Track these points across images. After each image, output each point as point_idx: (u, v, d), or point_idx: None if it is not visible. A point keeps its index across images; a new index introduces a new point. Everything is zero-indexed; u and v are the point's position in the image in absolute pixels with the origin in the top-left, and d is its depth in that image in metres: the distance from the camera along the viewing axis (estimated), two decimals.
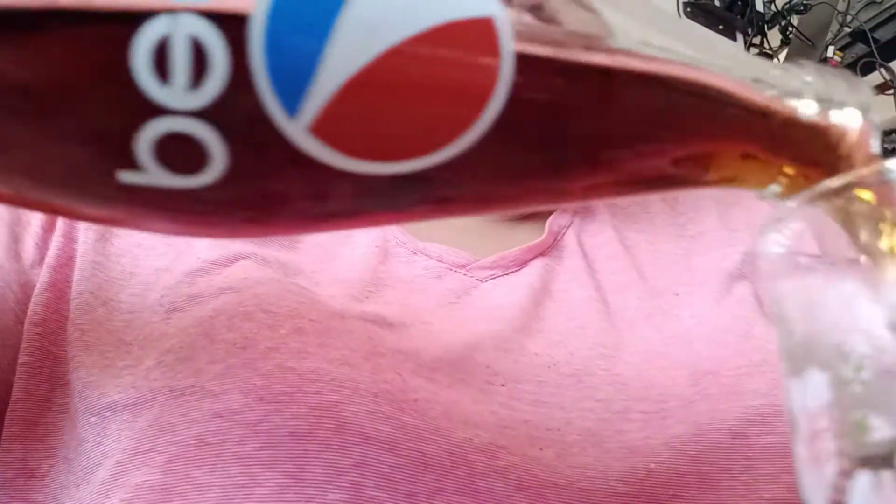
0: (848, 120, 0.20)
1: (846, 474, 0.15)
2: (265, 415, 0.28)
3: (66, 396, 0.31)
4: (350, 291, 0.34)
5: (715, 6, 1.50)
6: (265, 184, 0.17)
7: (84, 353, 0.31)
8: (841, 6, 1.43)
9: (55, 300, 0.32)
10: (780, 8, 1.50)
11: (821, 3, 1.46)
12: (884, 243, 0.16)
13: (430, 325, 0.34)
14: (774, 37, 1.53)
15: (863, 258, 0.17)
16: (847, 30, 1.40)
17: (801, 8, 1.47)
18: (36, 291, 0.33)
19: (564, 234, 0.42)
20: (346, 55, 0.16)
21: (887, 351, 0.15)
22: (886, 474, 0.15)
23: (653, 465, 0.30)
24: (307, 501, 0.27)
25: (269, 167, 0.17)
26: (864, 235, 0.17)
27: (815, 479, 0.16)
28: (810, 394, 0.16)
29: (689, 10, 1.48)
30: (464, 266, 0.38)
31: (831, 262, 0.18)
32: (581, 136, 0.19)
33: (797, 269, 0.17)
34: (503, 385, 0.32)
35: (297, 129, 0.16)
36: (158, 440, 0.28)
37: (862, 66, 1.40)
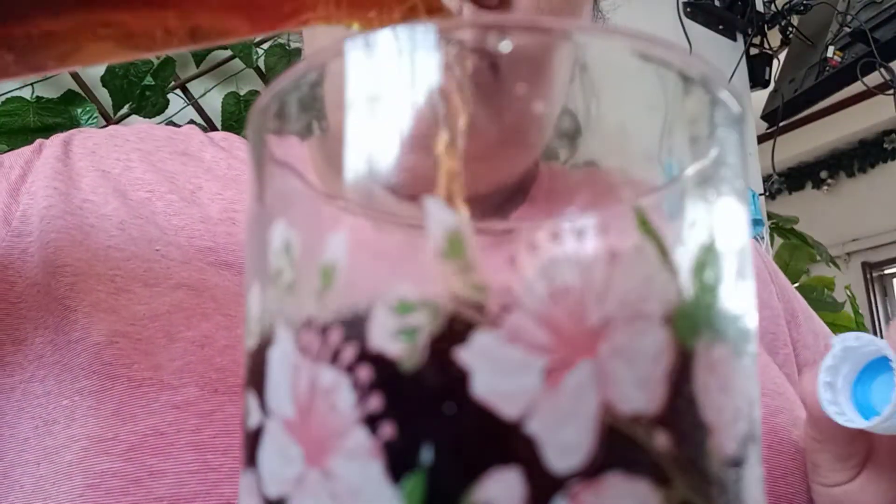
0: None
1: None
2: (219, 405, 0.29)
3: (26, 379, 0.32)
4: None
5: (715, 6, 1.50)
6: None
7: (47, 330, 0.32)
8: (841, 6, 1.43)
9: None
10: (780, 8, 1.50)
11: (821, 3, 1.46)
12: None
13: None
14: (774, 37, 1.53)
15: None
16: (847, 30, 1.40)
17: (801, 8, 1.47)
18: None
19: None
20: None
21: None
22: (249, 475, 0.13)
23: None
24: None
25: None
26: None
27: None
28: None
29: (689, 9, 1.48)
30: None
31: None
32: None
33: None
34: None
35: None
36: (120, 429, 0.29)
37: (862, 66, 1.40)
